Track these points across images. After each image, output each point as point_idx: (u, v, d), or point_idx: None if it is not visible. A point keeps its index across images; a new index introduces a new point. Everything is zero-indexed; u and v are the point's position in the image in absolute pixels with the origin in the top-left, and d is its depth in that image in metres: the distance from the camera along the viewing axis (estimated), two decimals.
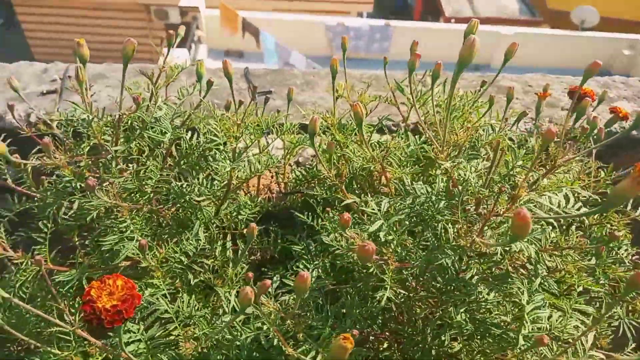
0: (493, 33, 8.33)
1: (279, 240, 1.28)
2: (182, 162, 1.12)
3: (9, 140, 1.01)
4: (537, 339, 0.66)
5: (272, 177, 1.55)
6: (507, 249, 0.75)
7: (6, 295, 0.81)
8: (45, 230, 0.97)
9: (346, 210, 1.11)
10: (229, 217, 1.12)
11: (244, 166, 1.06)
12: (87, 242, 1.15)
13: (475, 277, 0.78)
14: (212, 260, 1.07)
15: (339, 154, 1.17)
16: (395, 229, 0.79)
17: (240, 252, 0.98)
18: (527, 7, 11.13)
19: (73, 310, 0.93)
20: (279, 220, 1.35)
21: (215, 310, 0.96)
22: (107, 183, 0.94)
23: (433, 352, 0.85)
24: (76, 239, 1.14)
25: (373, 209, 0.80)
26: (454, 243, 0.73)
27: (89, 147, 1.06)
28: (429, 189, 0.83)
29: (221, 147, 1.19)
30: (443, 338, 0.79)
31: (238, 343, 0.90)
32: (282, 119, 1.19)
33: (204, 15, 8.91)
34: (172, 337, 0.90)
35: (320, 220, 1.16)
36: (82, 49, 1.05)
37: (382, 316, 0.93)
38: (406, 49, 1.09)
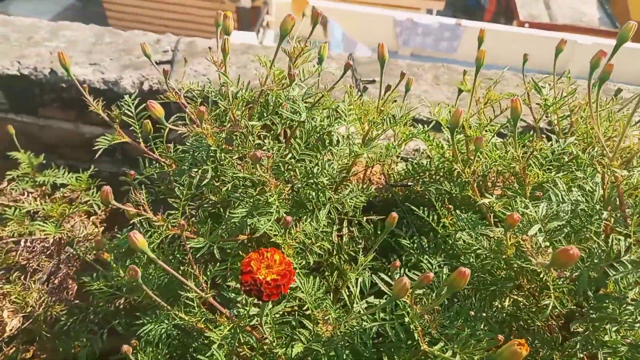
0: (569, 42, 7.97)
1: (379, 232, 1.26)
2: (305, 143, 1.12)
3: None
4: None
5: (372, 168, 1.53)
6: None
7: (152, 255, 0.83)
8: (181, 195, 0.99)
9: (473, 211, 1.08)
10: (347, 202, 1.11)
11: (376, 150, 1.04)
12: (194, 212, 1.17)
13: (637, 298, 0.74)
14: (329, 243, 1.06)
15: (463, 152, 1.14)
16: (552, 235, 0.75)
17: (375, 240, 0.97)
18: (609, 17, 10.56)
19: (205, 278, 0.95)
20: (377, 212, 1.34)
21: (337, 295, 0.96)
22: (246, 156, 0.95)
23: None
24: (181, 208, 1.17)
25: (530, 212, 0.76)
26: (626, 257, 0.69)
27: (219, 119, 1.08)
28: (586, 198, 0.79)
29: (339, 132, 1.18)
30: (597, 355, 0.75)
31: (363, 332, 0.89)
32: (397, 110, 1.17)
33: (274, 1, 8.98)
34: (297, 317, 0.90)
35: (436, 216, 1.13)
36: (227, 21, 1.06)
37: (512, 323, 0.90)
38: (474, 51, 1.03)
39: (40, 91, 1.75)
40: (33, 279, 1.08)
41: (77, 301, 1.51)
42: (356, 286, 0.90)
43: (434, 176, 1.30)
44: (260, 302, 0.74)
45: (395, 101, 1.34)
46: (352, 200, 1.19)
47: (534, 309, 0.89)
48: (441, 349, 0.78)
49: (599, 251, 0.72)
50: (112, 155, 1.93)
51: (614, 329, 0.75)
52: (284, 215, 0.86)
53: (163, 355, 1.02)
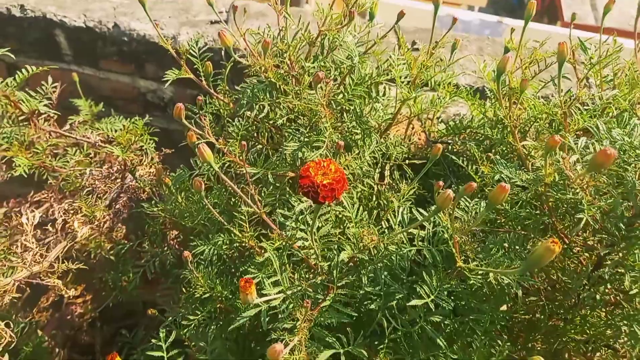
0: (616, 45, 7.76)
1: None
2: (354, 88, 1.19)
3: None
4: None
5: (412, 127, 1.59)
6: None
7: (216, 167, 0.91)
8: (239, 127, 1.08)
9: (511, 157, 1.13)
10: (391, 147, 1.18)
11: (423, 99, 1.10)
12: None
13: None
14: (372, 181, 1.14)
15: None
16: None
17: (416, 175, 1.03)
18: None
19: (260, 197, 1.03)
20: (415, 168, 1.40)
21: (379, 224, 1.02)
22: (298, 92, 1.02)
23: (597, 296, 0.87)
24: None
25: (571, 147, 0.81)
26: None
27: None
28: (627, 138, 0.83)
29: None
30: (622, 280, 0.80)
31: (401, 257, 0.96)
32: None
33: None
34: (340, 237, 0.98)
35: (475, 169, 1.19)
36: None
37: None
38: None
39: (102, 44, 1.88)
40: (100, 199, 1.19)
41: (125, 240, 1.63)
42: (398, 215, 0.97)
43: (474, 135, 1.36)
44: (314, 206, 0.82)
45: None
46: (395, 149, 1.25)
47: (565, 251, 0.94)
48: (475, 266, 0.84)
49: (633, 180, 0.77)
50: (164, 111, 2.05)
51: None
52: (336, 140, 0.93)
53: (214, 273, 1.11)
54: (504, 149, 1.13)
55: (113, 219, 1.22)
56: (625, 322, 0.85)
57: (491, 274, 0.83)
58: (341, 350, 0.87)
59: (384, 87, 1.25)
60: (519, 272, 0.74)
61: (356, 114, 1.09)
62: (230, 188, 1.03)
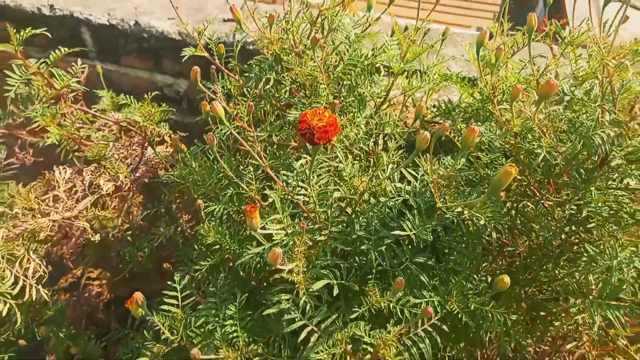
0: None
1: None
2: (350, 59, 1.31)
3: None
4: None
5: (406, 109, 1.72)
6: None
7: (226, 122, 1.04)
8: (247, 96, 1.21)
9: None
10: (384, 119, 1.31)
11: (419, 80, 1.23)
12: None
13: (620, 166, 0.89)
14: (367, 147, 1.26)
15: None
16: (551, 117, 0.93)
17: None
18: None
19: (265, 155, 1.16)
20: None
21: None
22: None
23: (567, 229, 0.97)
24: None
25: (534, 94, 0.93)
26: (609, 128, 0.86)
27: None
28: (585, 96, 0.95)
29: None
30: (581, 214, 0.91)
31: (390, 204, 1.08)
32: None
33: None
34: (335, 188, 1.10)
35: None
36: None
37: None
38: None
39: (124, 41, 2.04)
40: (122, 164, 1.32)
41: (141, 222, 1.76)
42: (387, 170, 1.09)
43: (462, 114, 1.48)
44: (311, 149, 0.94)
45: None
46: (389, 124, 1.38)
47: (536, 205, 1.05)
48: (452, 205, 0.96)
49: (588, 125, 0.89)
50: (179, 104, 2.20)
51: (597, 192, 0.91)
52: (332, 100, 1.06)
53: (223, 228, 1.24)
54: (484, 115, 1.25)
55: (133, 184, 1.35)
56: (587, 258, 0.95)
57: (466, 212, 0.94)
58: (334, 282, 0.98)
59: (380, 68, 1.39)
60: (485, 198, 0.85)
61: (351, 85, 1.22)
62: (240, 147, 1.15)
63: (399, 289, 0.90)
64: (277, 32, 1.17)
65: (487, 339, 1.07)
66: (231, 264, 1.19)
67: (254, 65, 1.26)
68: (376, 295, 0.95)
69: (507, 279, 0.86)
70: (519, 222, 1.04)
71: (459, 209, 0.96)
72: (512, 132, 0.97)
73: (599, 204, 0.89)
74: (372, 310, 0.94)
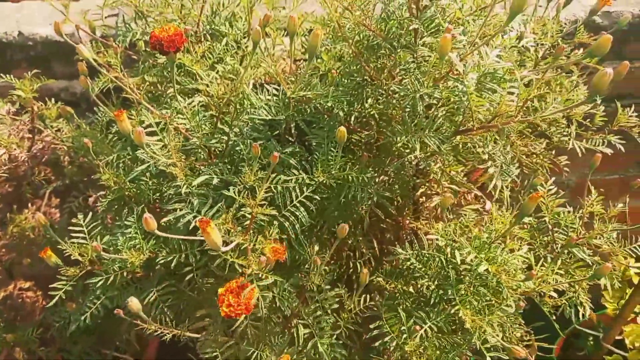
0: None
1: None
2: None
3: None
4: None
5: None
6: None
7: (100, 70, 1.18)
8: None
9: None
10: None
11: None
12: None
13: None
14: None
15: None
16: None
17: None
18: None
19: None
20: None
21: None
22: None
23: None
24: None
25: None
26: None
27: None
28: None
29: None
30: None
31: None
32: None
33: None
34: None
35: None
36: None
37: None
38: None
39: (11, 52, 2.12)
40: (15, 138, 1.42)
41: None
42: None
43: None
44: (166, 59, 1.10)
45: None
46: None
47: None
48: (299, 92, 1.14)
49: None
50: (78, 106, 2.28)
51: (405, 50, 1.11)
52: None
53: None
54: None
55: (31, 159, 1.44)
56: None
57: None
58: (215, 177, 1.13)
59: None
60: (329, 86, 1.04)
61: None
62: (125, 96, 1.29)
63: (275, 162, 1.04)
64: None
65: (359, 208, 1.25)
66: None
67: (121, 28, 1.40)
68: (250, 177, 1.11)
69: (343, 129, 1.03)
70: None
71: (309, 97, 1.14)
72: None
73: (407, 59, 1.09)
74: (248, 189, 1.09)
